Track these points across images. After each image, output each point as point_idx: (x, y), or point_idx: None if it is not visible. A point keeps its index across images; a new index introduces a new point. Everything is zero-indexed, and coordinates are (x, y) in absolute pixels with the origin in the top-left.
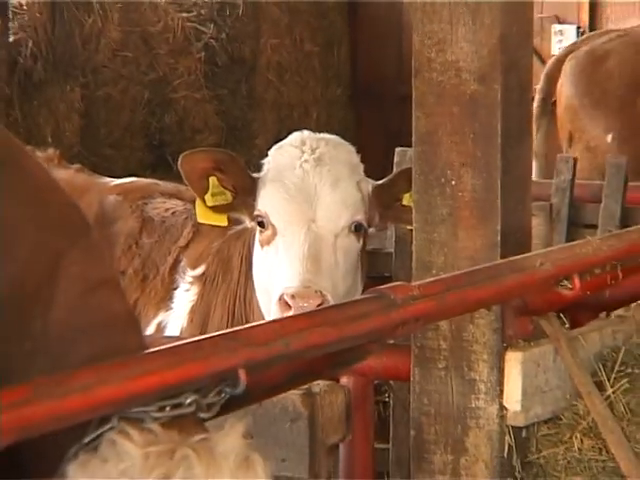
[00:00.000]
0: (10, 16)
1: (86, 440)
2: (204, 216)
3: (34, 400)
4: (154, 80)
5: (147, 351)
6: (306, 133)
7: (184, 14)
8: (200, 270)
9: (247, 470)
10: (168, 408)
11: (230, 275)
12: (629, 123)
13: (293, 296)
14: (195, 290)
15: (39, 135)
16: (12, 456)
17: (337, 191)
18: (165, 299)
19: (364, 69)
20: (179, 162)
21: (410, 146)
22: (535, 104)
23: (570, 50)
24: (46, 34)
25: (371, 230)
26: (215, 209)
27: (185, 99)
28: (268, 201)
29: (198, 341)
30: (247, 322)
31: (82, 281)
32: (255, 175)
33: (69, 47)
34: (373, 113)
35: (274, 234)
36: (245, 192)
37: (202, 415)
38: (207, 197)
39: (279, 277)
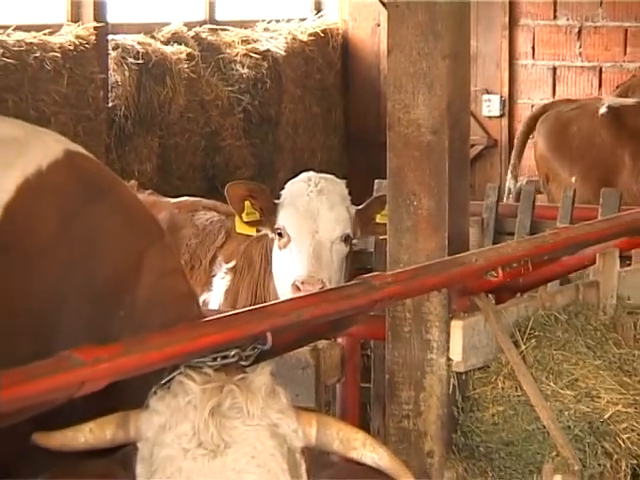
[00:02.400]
0: (109, 89)
1: (162, 382)
2: (240, 228)
3: (125, 354)
4: (208, 133)
5: (203, 319)
6: (311, 173)
7: (229, 87)
8: (232, 264)
9: (274, 397)
10: (219, 359)
11: (253, 268)
12: (585, 169)
13: (302, 282)
14: (228, 278)
15: (128, 170)
16: (109, 394)
17: (332, 212)
18: (207, 283)
19: (353, 125)
20: (225, 190)
21: (385, 178)
22: (517, 136)
23: (544, 108)
24: (134, 101)
25: (355, 241)
26: (248, 223)
27: (230, 146)
28: (285, 218)
29: (238, 313)
30: (265, 301)
31: (158, 270)
32: (276, 201)
33: (150, 110)
34: (360, 155)
35: (289, 241)
36: (269, 212)
37: (242, 363)
38: (243, 215)
39: (292, 270)
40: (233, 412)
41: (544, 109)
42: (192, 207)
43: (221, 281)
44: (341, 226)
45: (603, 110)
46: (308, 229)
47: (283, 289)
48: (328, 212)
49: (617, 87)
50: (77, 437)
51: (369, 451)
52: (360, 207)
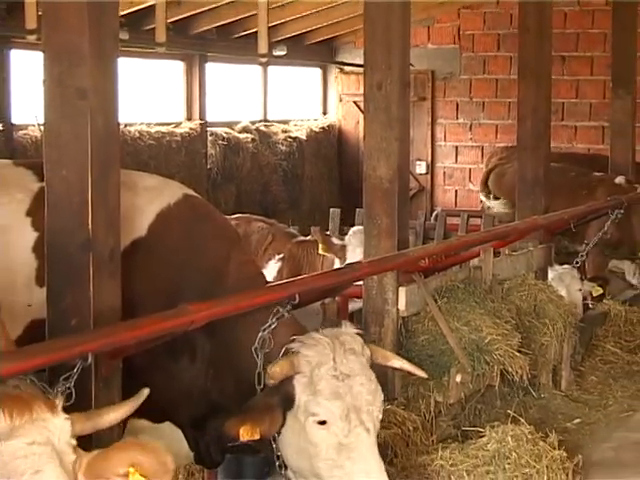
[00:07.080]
0: (207, 158)
1: (264, 327)
2: (321, 250)
3: (214, 306)
4: (262, 182)
5: (265, 286)
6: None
7: (275, 157)
8: (281, 255)
9: (359, 342)
10: None
11: (294, 258)
12: (510, 202)
13: None
14: (280, 263)
15: (218, 205)
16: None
17: None
18: (262, 265)
19: (344, 179)
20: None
21: (362, 209)
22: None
23: (495, 164)
24: (222, 165)
25: None
26: (323, 249)
27: (275, 190)
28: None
29: (281, 284)
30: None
31: (238, 261)
32: (338, 242)
33: (230, 171)
34: (348, 196)
35: None
36: (334, 249)
37: (282, 312)
38: (320, 248)
39: None
40: (349, 352)
41: (497, 163)
42: (248, 219)
43: (274, 265)
44: None
45: None
46: None
47: None
48: None
49: (490, 157)
50: (274, 374)
51: (397, 361)
52: None
